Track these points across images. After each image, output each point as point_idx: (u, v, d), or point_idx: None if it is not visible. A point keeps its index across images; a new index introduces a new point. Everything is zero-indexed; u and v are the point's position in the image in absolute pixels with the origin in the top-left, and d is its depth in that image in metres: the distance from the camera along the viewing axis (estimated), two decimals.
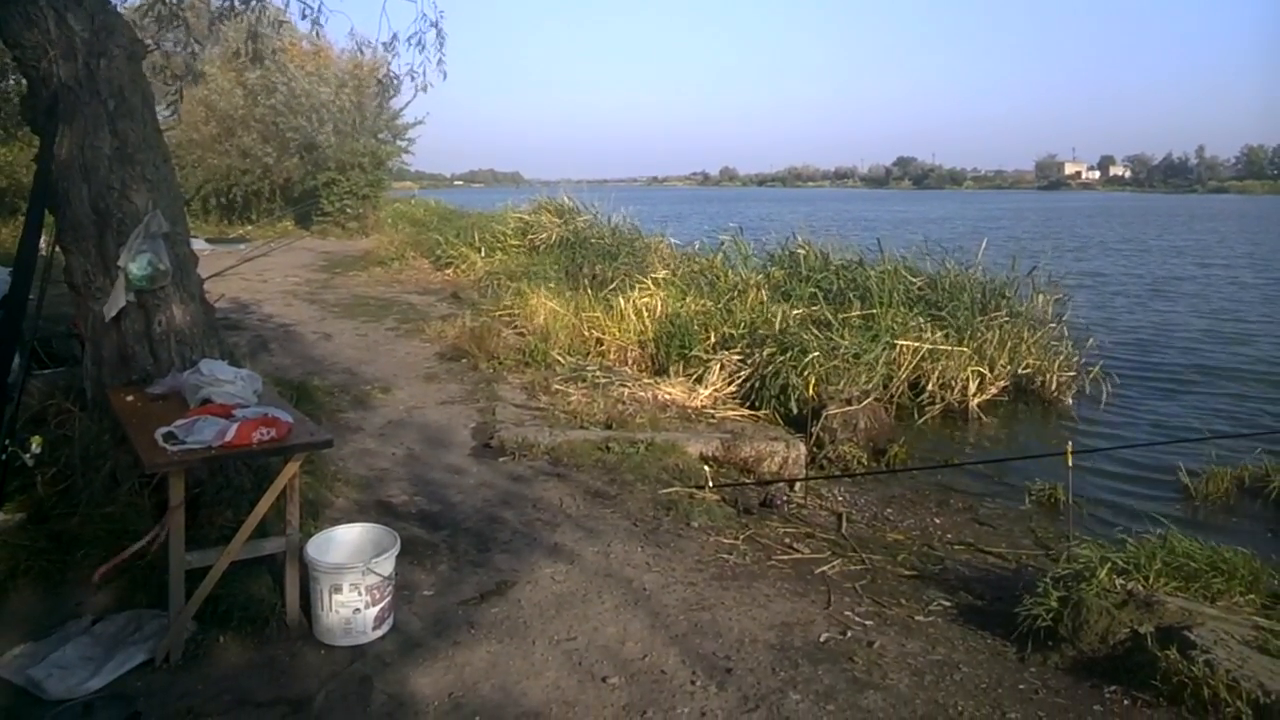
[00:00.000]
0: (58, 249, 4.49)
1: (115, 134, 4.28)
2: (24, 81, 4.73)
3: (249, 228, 23.26)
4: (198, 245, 6.04)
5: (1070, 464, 4.62)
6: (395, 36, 6.61)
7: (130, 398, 3.88)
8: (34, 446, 4.13)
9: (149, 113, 4.57)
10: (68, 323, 6.03)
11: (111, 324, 4.30)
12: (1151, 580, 3.48)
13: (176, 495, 3.15)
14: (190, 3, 7.15)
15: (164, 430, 3.21)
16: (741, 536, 4.63)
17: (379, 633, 3.43)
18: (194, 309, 4.50)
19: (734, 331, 8.65)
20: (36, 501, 4.03)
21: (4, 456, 4.06)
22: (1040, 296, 10.05)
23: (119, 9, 4.81)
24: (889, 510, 5.67)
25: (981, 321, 9.03)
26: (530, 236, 16.08)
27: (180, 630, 3.21)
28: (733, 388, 7.76)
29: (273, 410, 3.48)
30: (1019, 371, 8.60)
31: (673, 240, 15.36)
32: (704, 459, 5.88)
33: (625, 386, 7.50)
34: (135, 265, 4.20)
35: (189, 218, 5.35)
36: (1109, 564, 3.57)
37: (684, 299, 9.88)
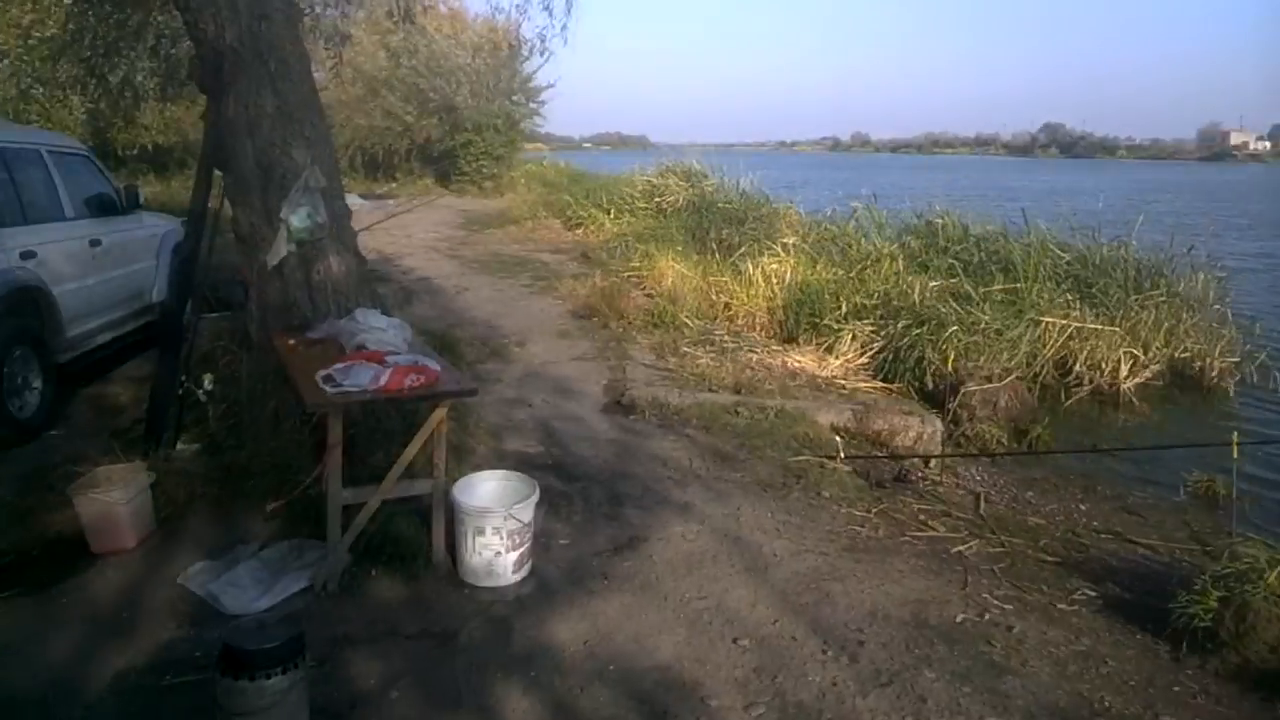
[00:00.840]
0: (225, 202, 4.79)
1: (276, 94, 4.50)
2: (191, 45, 5.03)
3: (393, 185, 24.20)
4: (350, 200, 6.32)
5: (1236, 454, 4.30)
6: (528, 1, 6.65)
7: (291, 341, 4.12)
8: (206, 383, 4.47)
9: (306, 74, 4.79)
10: (234, 270, 6.46)
11: (274, 272, 4.56)
12: None
13: (334, 435, 3.33)
14: None
15: (323, 373, 3.39)
16: (874, 510, 4.54)
17: (518, 576, 3.55)
18: (349, 260, 4.72)
19: (867, 302, 8.42)
20: (210, 434, 4.36)
21: (181, 392, 4.40)
22: (1201, 276, 9.32)
23: None
24: (1030, 493, 5.43)
25: (1136, 301, 8.47)
26: (658, 199, 16.07)
27: (337, 561, 3.41)
28: (865, 359, 7.57)
29: (422, 358, 3.63)
30: (1176, 355, 8.03)
31: (801, 208, 15.04)
32: (834, 429, 5.79)
33: (753, 353, 7.45)
34: (296, 218, 4.43)
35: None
36: (1279, 567, 3.31)
37: (814, 267, 9.67)
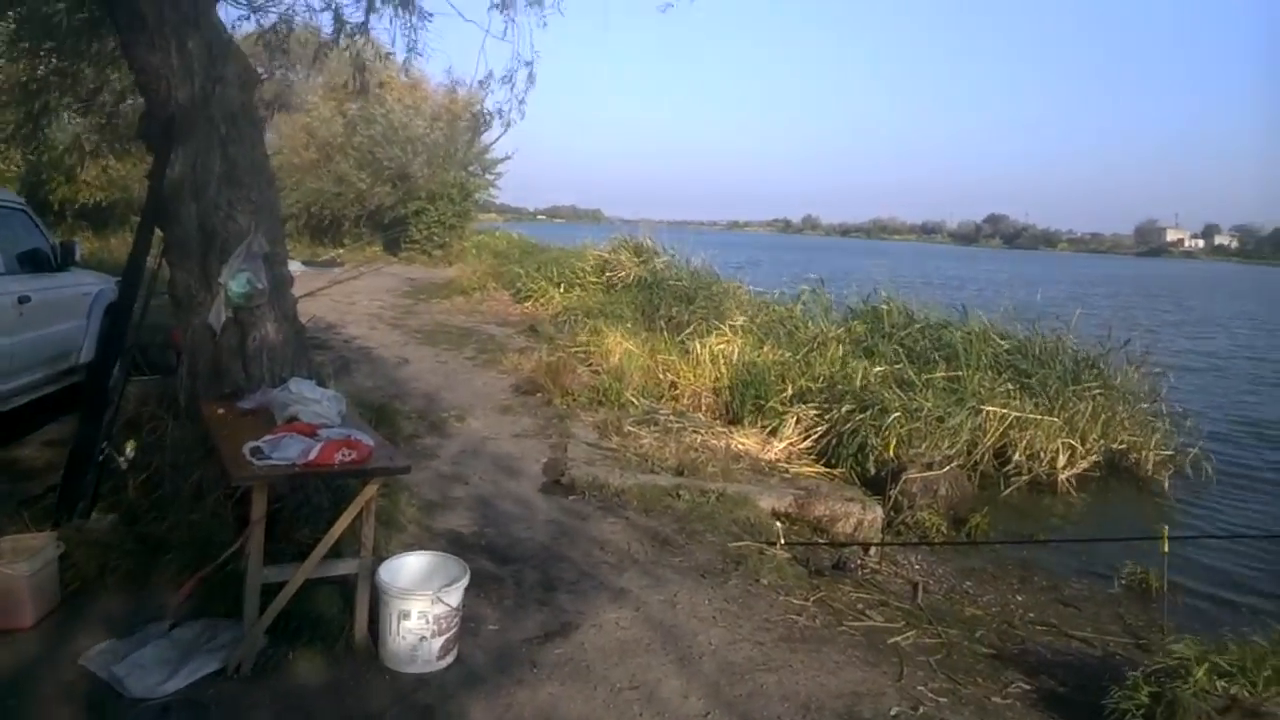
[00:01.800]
0: (163, 263, 4.68)
1: (225, 157, 4.47)
2: (141, 101, 4.99)
3: (340, 250, 24.08)
4: (292, 266, 6.24)
5: (1166, 549, 4.37)
6: (490, 75, 6.79)
7: (221, 410, 3.99)
8: (128, 450, 4.30)
9: (258, 138, 4.78)
10: (166, 333, 6.30)
11: (208, 337, 4.46)
12: (1260, 688, 3.23)
13: (259, 509, 3.21)
14: (298, 35, 7.49)
15: (251, 444, 3.28)
16: (812, 598, 4.49)
17: (444, 663, 3.41)
18: (286, 328, 4.63)
19: (812, 385, 8.52)
20: (128, 504, 4.17)
21: (101, 458, 4.22)
22: (1136, 370, 9.63)
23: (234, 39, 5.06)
24: (968, 583, 5.44)
25: (1073, 391, 8.69)
26: (608, 274, 16.20)
27: (253, 643, 3.24)
28: (808, 443, 7.61)
29: (355, 432, 3.53)
30: (1112, 447, 8.23)
31: (751, 286, 15.29)
32: (776, 514, 5.76)
33: (698, 433, 7.43)
34: (235, 283, 4.35)
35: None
36: (1208, 663, 3.33)
37: (761, 348, 9.79)
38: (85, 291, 6.83)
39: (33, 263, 6.08)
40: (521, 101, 6.78)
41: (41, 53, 7.00)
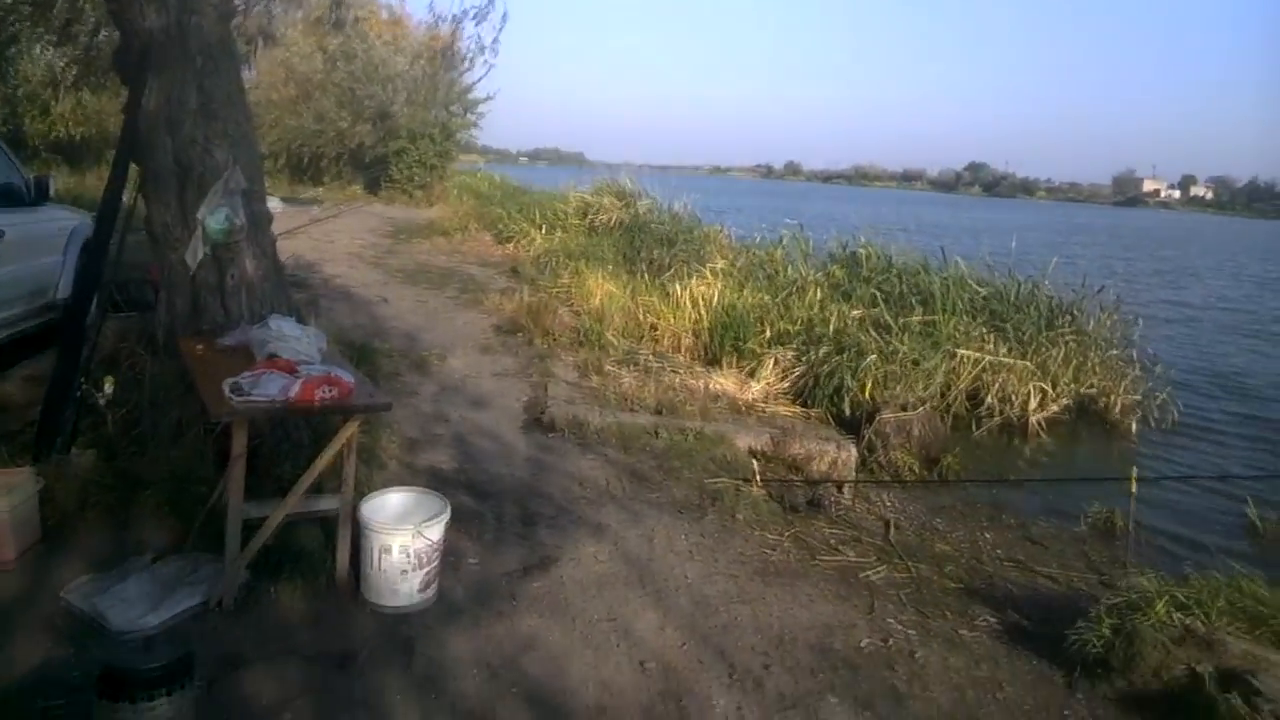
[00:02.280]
0: (139, 198, 4.61)
1: (201, 90, 4.37)
2: (116, 33, 4.86)
3: (319, 190, 23.70)
4: (271, 204, 6.16)
5: (1135, 489, 4.49)
6: (464, 12, 6.65)
7: (200, 347, 3.98)
8: (106, 387, 4.27)
9: (234, 71, 4.66)
10: (144, 270, 6.22)
11: (186, 274, 4.41)
12: (1213, 619, 3.36)
13: (239, 445, 3.22)
14: None
15: (230, 381, 3.27)
16: (786, 534, 4.59)
17: (424, 596, 3.47)
18: (265, 265, 4.59)
19: (790, 328, 8.58)
20: (107, 440, 4.16)
21: (79, 394, 4.21)
22: (1108, 317, 9.76)
23: None
24: (938, 521, 5.57)
25: (1047, 337, 8.81)
26: (590, 217, 16.10)
27: (234, 578, 3.29)
28: (785, 384, 7.69)
29: (335, 370, 3.53)
30: (1082, 391, 8.38)
31: (732, 231, 15.25)
32: (752, 453, 5.84)
33: (677, 374, 7.49)
34: (213, 219, 4.30)
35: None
36: (1167, 597, 3.46)
37: (741, 291, 9.81)
38: (61, 227, 6.71)
39: (6, 198, 5.95)
40: (495, 40, 6.67)
41: None
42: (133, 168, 4.62)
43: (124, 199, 4.71)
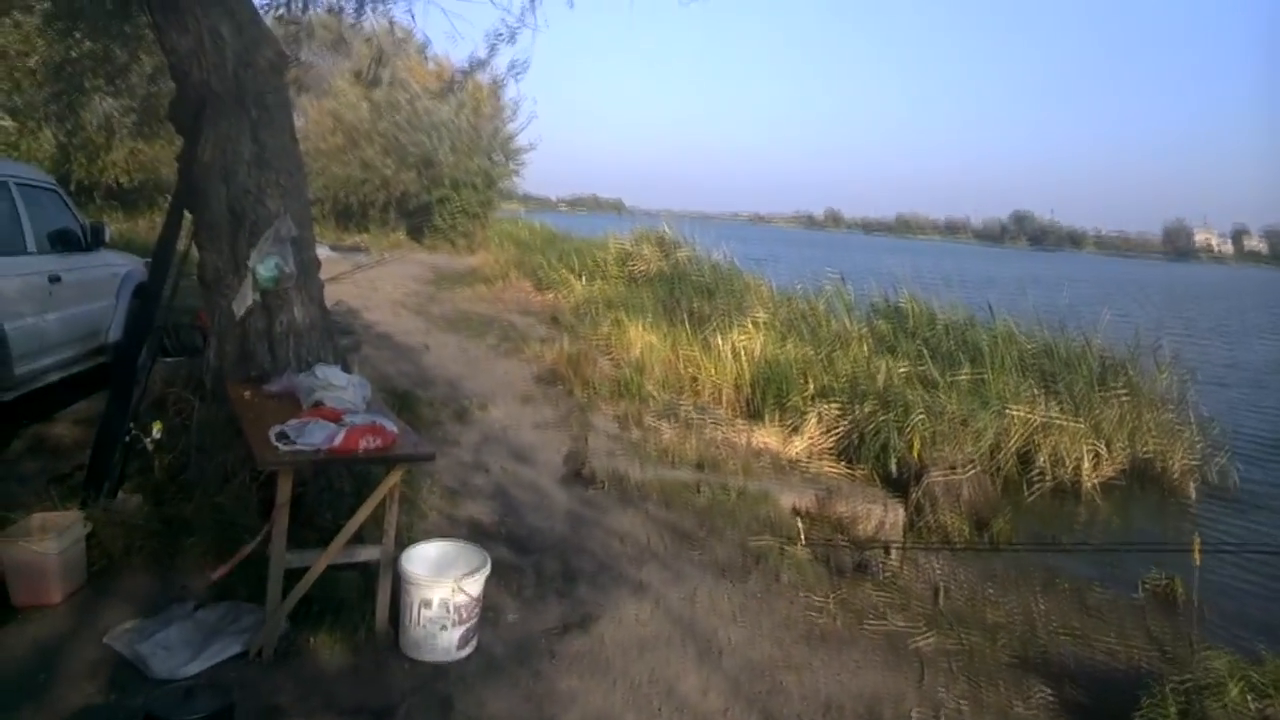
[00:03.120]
0: (192, 245, 4.70)
1: (255, 140, 4.47)
2: (171, 84, 5.00)
3: (364, 236, 24.17)
4: (320, 251, 6.26)
5: (1199, 559, 4.30)
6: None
7: (247, 393, 4.01)
8: (155, 431, 4.32)
9: (287, 122, 4.77)
10: (193, 315, 6.33)
11: (235, 321, 4.47)
12: None
13: (284, 493, 3.22)
14: (321, 19, 7.52)
15: (277, 429, 3.28)
16: (832, 598, 4.46)
17: (463, 652, 3.41)
18: (313, 312, 4.64)
19: (834, 383, 8.45)
20: (153, 484, 4.19)
21: (128, 438, 4.25)
22: (1163, 375, 9.49)
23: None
24: (989, 587, 5.38)
25: (1099, 396, 8.58)
26: (630, 266, 16.18)
27: (275, 627, 3.26)
28: (830, 441, 7.55)
29: (380, 419, 3.53)
30: (1138, 453, 8.10)
31: (773, 281, 15.21)
32: (796, 512, 5.72)
33: (718, 428, 7.41)
34: (263, 267, 4.36)
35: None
36: (1242, 679, 3.27)
37: (783, 344, 9.73)
38: (114, 272, 6.88)
39: (63, 243, 6.12)
40: (521, 74, 6.84)
41: (75, 33, 7.05)
42: (187, 215, 4.72)
43: (178, 246, 4.81)
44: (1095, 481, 7.66)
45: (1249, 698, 3.19)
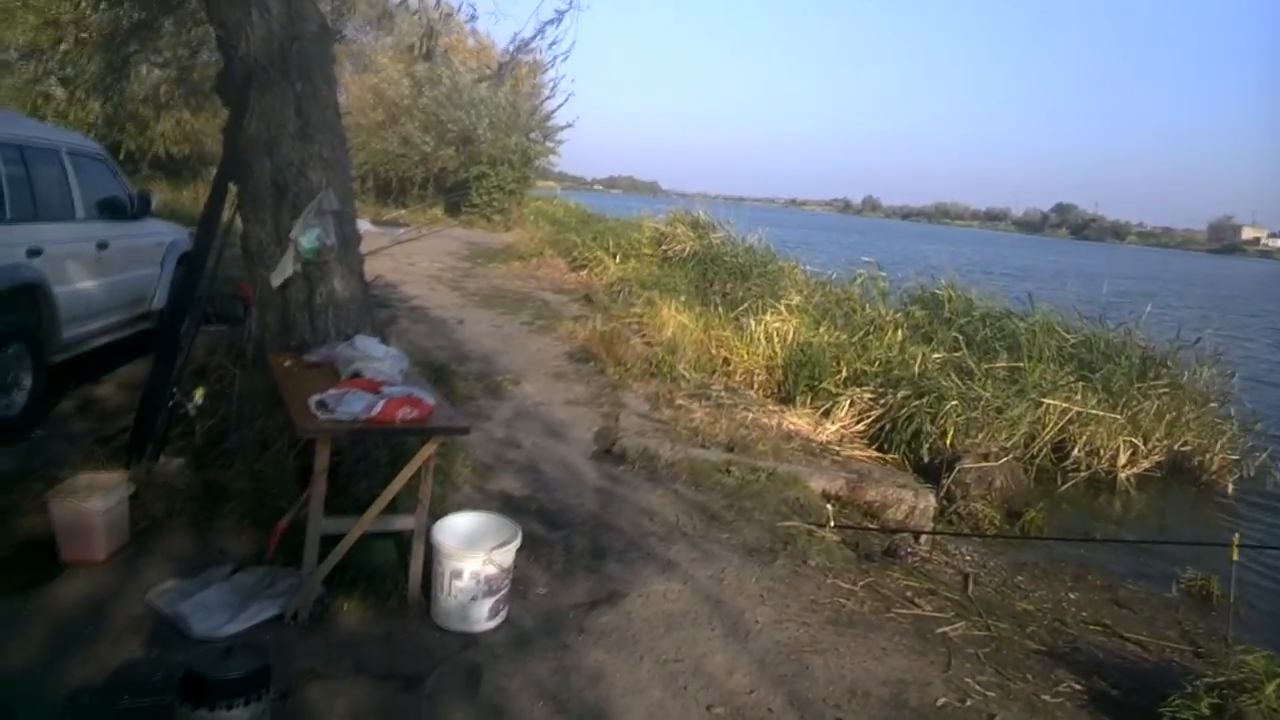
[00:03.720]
0: (236, 216, 4.78)
1: (300, 114, 4.52)
2: (214, 56, 5.07)
3: (402, 211, 24.36)
4: (361, 225, 6.32)
5: (1236, 556, 4.23)
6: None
7: (287, 362, 4.07)
8: (197, 397, 4.42)
9: (331, 96, 4.81)
10: (235, 285, 6.44)
11: (277, 291, 4.54)
12: None
13: (322, 461, 3.27)
14: None
15: (316, 398, 3.33)
16: (860, 583, 4.46)
17: (493, 623, 3.46)
18: (353, 285, 4.69)
19: (867, 368, 8.40)
20: (195, 449, 4.30)
21: (171, 403, 4.35)
22: (1204, 370, 9.31)
23: None
24: (1020, 577, 5.34)
25: (1139, 389, 8.44)
26: (664, 247, 16.14)
27: (310, 592, 3.33)
28: (861, 426, 7.53)
29: (417, 391, 3.57)
30: (1176, 447, 7.98)
31: (807, 266, 15.10)
32: (826, 496, 5.71)
33: (749, 411, 7.40)
34: (305, 239, 4.42)
35: None
36: (1279, 680, 3.23)
37: (817, 328, 9.68)
38: (159, 241, 7.02)
39: (111, 210, 6.25)
40: (566, 56, 6.85)
41: (125, 4, 7.16)
42: (231, 186, 4.79)
43: (222, 217, 4.89)
44: (1131, 474, 7.56)
45: None
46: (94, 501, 3.52)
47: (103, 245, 5.97)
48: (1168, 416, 8.09)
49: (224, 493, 4.02)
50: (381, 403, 3.35)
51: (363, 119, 24.46)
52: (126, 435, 4.39)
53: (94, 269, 5.85)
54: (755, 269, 14.11)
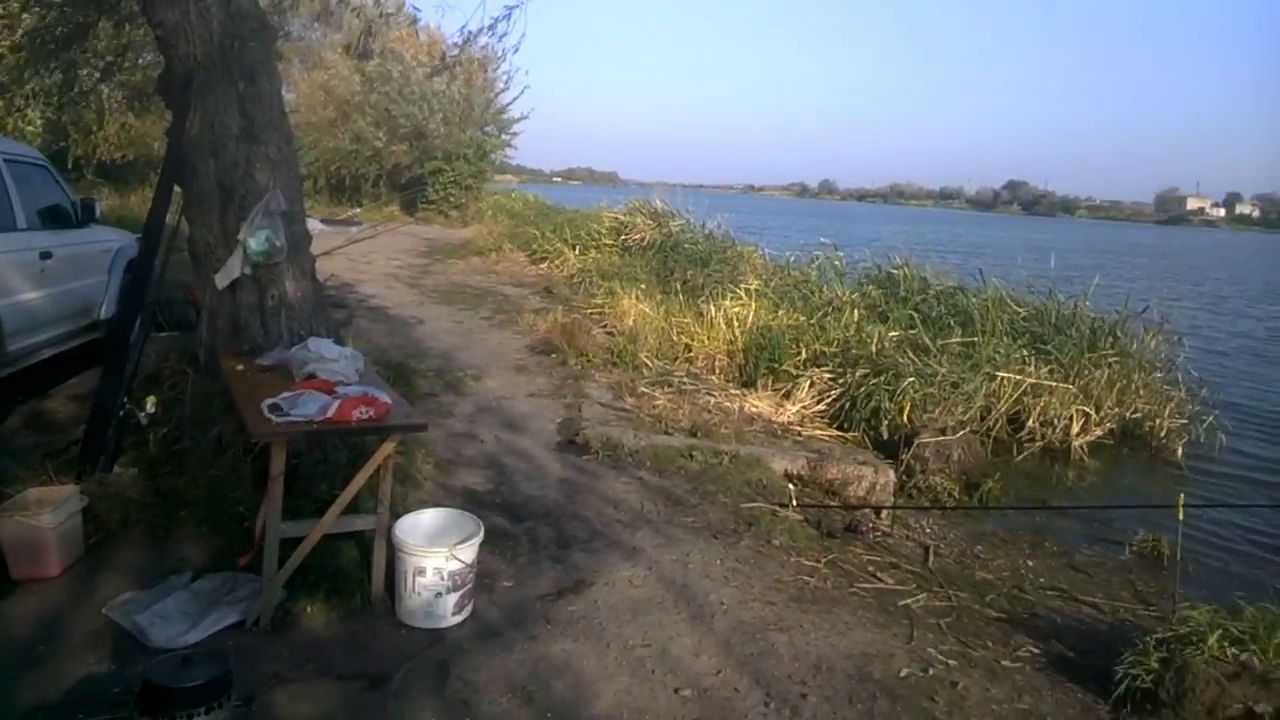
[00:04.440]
0: (182, 220, 4.70)
1: (244, 114, 4.46)
2: (161, 58, 4.98)
3: (357, 210, 24.05)
4: (311, 225, 6.25)
5: (1181, 516, 4.35)
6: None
7: (240, 366, 4.03)
8: (149, 405, 4.34)
9: (276, 95, 4.75)
10: (185, 290, 6.33)
11: (227, 294, 4.48)
12: (1271, 655, 3.24)
13: (277, 465, 3.25)
14: None
15: (270, 401, 3.31)
16: (823, 560, 4.52)
17: (458, 618, 3.47)
18: (305, 285, 4.65)
19: (826, 349, 8.49)
20: (148, 458, 4.23)
21: (122, 413, 4.28)
22: (1152, 338, 9.55)
23: None
24: (979, 547, 5.46)
25: (1089, 359, 8.63)
26: (624, 237, 16.13)
27: (271, 596, 3.31)
28: (821, 406, 7.61)
29: (373, 390, 3.56)
30: (1126, 415, 8.17)
31: (766, 250, 15.21)
32: (788, 476, 5.77)
33: (711, 395, 7.45)
34: (254, 240, 4.37)
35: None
36: (1220, 630, 3.34)
37: (776, 311, 9.76)
38: (106, 248, 6.87)
39: (54, 219, 6.10)
40: (516, 49, 6.82)
41: (60, 7, 6.96)
42: (176, 190, 4.71)
43: (168, 220, 4.80)
44: (1084, 443, 7.73)
45: (1228, 647, 3.26)
46: (44, 517, 3.46)
47: (46, 255, 5.83)
48: (1118, 385, 8.28)
49: (180, 500, 3.97)
50: (337, 403, 3.33)
51: (312, 116, 24.07)
52: (77, 448, 4.31)
53: (38, 279, 5.72)
54: (715, 255, 14.17)
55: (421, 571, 3.38)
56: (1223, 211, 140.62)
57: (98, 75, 9.55)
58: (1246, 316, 20.77)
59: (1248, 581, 5.22)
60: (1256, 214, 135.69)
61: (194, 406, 4.39)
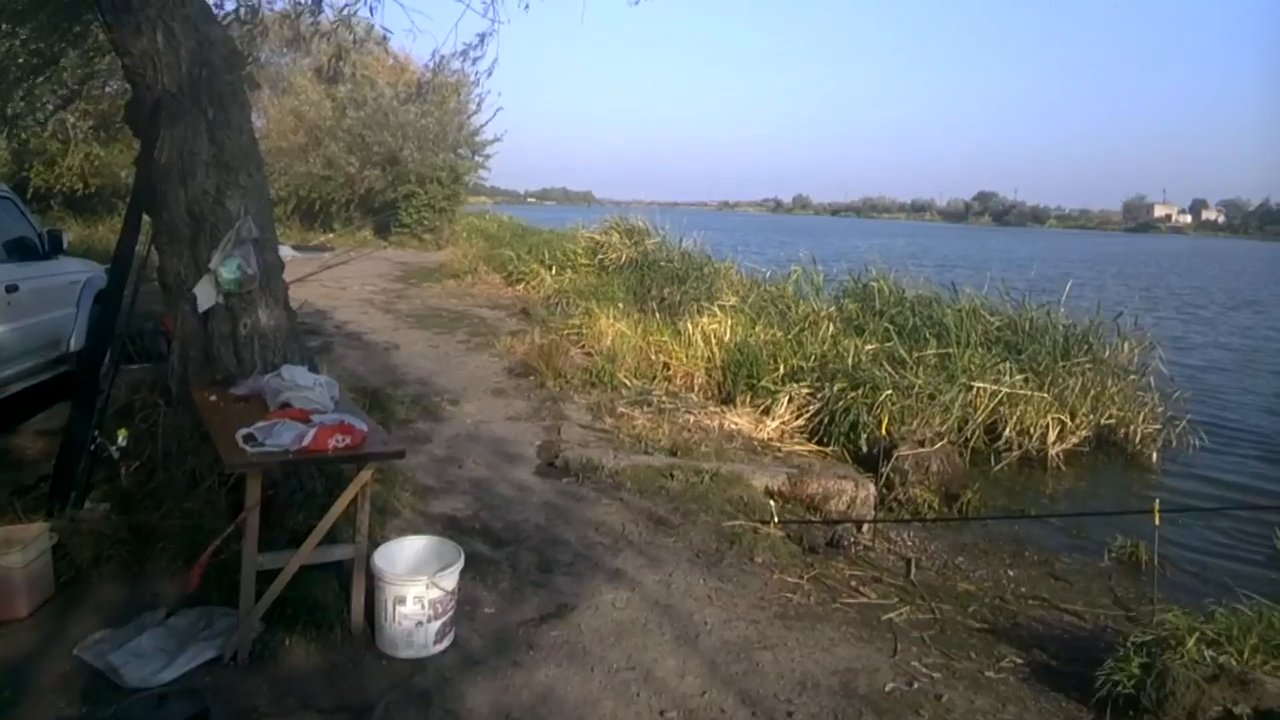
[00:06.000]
0: (153, 249, 4.65)
1: (213, 141, 4.42)
2: (128, 86, 4.93)
3: (330, 235, 23.93)
4: (283, 251, 6.21)
5: (1158, 521, 4.41)
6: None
7: (213, 397, 3.98)
8: (120, 439, 4.28)
9: (245, 122, 4.72)
10: (156, 320, 6.26)
11: (199, 324, 4.43)
12: (1247, 656, 3.28)
13: (253, 496, 3.21)
14: (278, 15, 7.46)
15: (244, 431, 3.27)
16: (806, 576, 4.52)
17: (440, 647, 3.43)
18: (278, 313, 4.60)
19: (804, 364, 8.52)
20: (121, 492, 4.16)
21: (93, 447, 4.20)
22: (1126, 344, 9.68)
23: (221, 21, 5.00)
24: (960, 559, 5.48)
25: (1064, 367, 8.73)
26: (600, 256, 16.16)
27: (249, 630, 3.25)
28: (801, 421, 7.63)
29: (349, 418, 3.52)
30: (1101, 421, 8.27)
31: (742, 266, 15.29)
32: (769, 493, 5.77)
33: (691, 414, 7.45)
34: (225, 269, 4.33)
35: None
36: (1198, 634, 3.37)
37: (753, 328, 9.79)
38: (74, 280, 6.78)
39: (20, 251, 6.03)
40: (489, 74, 6.80)
41: (20, 35, 6.89)
42: (145, 219, 4.66)
43: (137, 250, 4.75)
44: (1061, 450, 7.81)
45: (1205, 650, 3.29)
46: (11, 557, 3.38)
47: (12, 288, 5.75)
48: (1092, 392, 8.39)
49: (154, 535, 3.89)
50: (312, 432, 3.29)
51: (283, 142, 23.96)
52: (46, 484, 4.22)
53: (4, 313, 5.64)
54: (691, 272, 14.22)
55: (402, 600, 3.33)
56: (1189, 218, 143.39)
57: (59, 102, 9.44)
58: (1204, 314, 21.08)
59: (1225, 583, 5.27)
60: (1222, 220, 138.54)
61: (167, 439, 4.32)
